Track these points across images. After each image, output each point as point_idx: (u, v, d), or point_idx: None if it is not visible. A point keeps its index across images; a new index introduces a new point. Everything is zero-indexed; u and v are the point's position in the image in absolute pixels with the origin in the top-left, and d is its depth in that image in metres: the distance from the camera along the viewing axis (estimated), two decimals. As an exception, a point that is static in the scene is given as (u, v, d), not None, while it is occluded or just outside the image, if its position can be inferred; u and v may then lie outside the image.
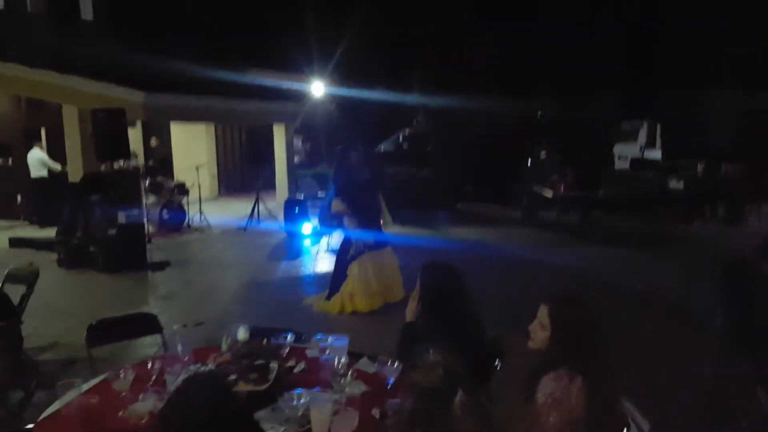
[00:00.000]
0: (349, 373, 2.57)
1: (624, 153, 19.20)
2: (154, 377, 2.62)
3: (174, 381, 2.50)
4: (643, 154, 19.19)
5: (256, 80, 14.83)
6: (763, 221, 11.58)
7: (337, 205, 6.89)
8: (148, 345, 5.11)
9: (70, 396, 2.51)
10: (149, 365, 2.70)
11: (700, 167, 12.80)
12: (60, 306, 7.16)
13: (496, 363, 2.99)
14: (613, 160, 16.65)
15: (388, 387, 2.59)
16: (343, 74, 17.51)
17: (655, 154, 18.63)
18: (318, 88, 16.40)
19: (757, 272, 3.66)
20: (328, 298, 6.93)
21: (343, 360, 2.69)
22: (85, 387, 2.68)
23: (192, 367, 2.53)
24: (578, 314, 2.45)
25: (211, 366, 2.50)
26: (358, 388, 2.61)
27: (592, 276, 8.19)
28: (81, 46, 12.36)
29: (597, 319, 2.47)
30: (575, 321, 2.42)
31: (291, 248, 10.69)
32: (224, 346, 2.72)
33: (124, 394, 2.52)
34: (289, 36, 17.02)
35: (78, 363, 5.23)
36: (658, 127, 18.79)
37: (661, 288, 7.54)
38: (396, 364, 2.61)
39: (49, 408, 2.55)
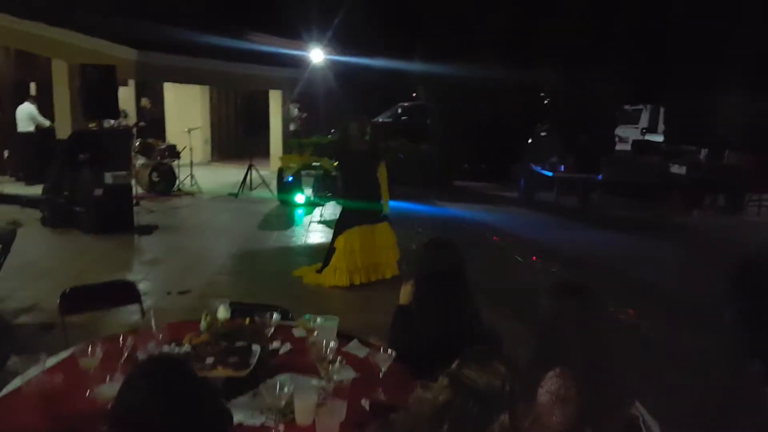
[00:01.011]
0: (338, 359, 2.36)
1: (625, 135, 18.98)
2: (125, 355, 2.41)
3: (146, 360, 2.29)
4: (644, 138, 18.97)
5: (253, 45, 14.45)
6: (762, 212, 11.43)
7: None
8: (131, 312, 4.90)
9: (32, 372, 2.30)
10: (120, 341, 2.48)
11: (702, 154, 12.61)
12: (41, 267, 6.94)
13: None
14: (614, 143, 16.41)
15: (381, 375, 2.38)
16: (342, 42, 17.12)
17: (657, 137, 18.40)
18: (317, 55, 16.06)
19: None
20: (321, 270, 6.74)
21: (332, 344, 2.48)
22: (50, 362, 2.46)
23: (166, 347, 2.31)
24: (577, 307, 2.24)
25: (186, 347, 2.28)
26: (347, 375, 2.41)
27: (591, 262, 8.01)
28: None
29: (602, 312, 2.26)
30: (574, 315, 2.21)
31: (283, 218, 10.47)
32: (203, 324, 2.49)
33: (91, 372, 2.31)
34: (290, 1, 16.58)
35: (56, 327, 5.03)
36: (661, 111, 18.54)
37: (660, 278, 7.36)
38: (389, 352, 2.40)
39: (9, 384, 2.33)
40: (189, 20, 12.30)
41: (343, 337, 2.82)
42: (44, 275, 6.58)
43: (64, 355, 2.61)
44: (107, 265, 7.14)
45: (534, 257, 7.76)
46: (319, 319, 2.75)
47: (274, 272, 7.12)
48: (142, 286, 6.33)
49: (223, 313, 2.53)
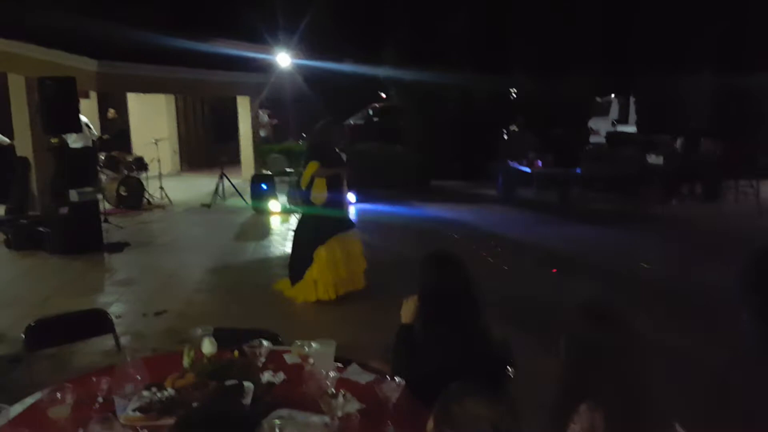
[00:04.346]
0: (341, 393, 2.11)
1: (597, 127, 19.04)
2: (100, 400, 2.13)
3: (125, 406, 2.02)
4: (615, 129, 19.05)
5: (218, 50, 14.07)
6: (740, 198, 11.44)
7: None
8: (105, 340, 4.57)
9: (-6, 425, 2.02)
10: (93, 382, 2.20)
11: (678, 143, 12.59)
12: (7, 293, 6.56)
13: (509, 370, 2.57)
14: (589, 136, 16.38)
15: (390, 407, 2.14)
16: (310, 45, 16.84)
17: (629, 128, 18.48)
18: (284, 60, 15.75)
19: None
20: (292, 285, 6.42)
21: (332, 374, 2.23)
22: (15, 411, 2.18)
23: (145, 393, 2.03)
24: (612, 340, 1.99)
25: (169, 391, 2.01)
26: (352, 407, 2.17)
27: (576, 256, 7.86)
28: (29, 9, 11.43)
29: (635, 341, 2.02)
30: (609, 348, 1.97)
31: (259, 228, 10.17)
32: (186, 361, 2.22)
33: (62, 422, 2.03)
34: (255, 4, 16.22)
35: (25, 360, 4.69)
36: (632, 101, 18.62)
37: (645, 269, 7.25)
38: (397, 381, 2.16)
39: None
40: (150, 26, 11.88)
41: (340, 360, 2.58)
42: (9, 302, 6.20)
43: (30, 401, 2.32)
44: (77, 288, 6.78)
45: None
46: (314, 345, 2.49)
47: (253, 286, 6.82)
48: (115, 309, 6.02)
49: (208, 347, 2.25)
